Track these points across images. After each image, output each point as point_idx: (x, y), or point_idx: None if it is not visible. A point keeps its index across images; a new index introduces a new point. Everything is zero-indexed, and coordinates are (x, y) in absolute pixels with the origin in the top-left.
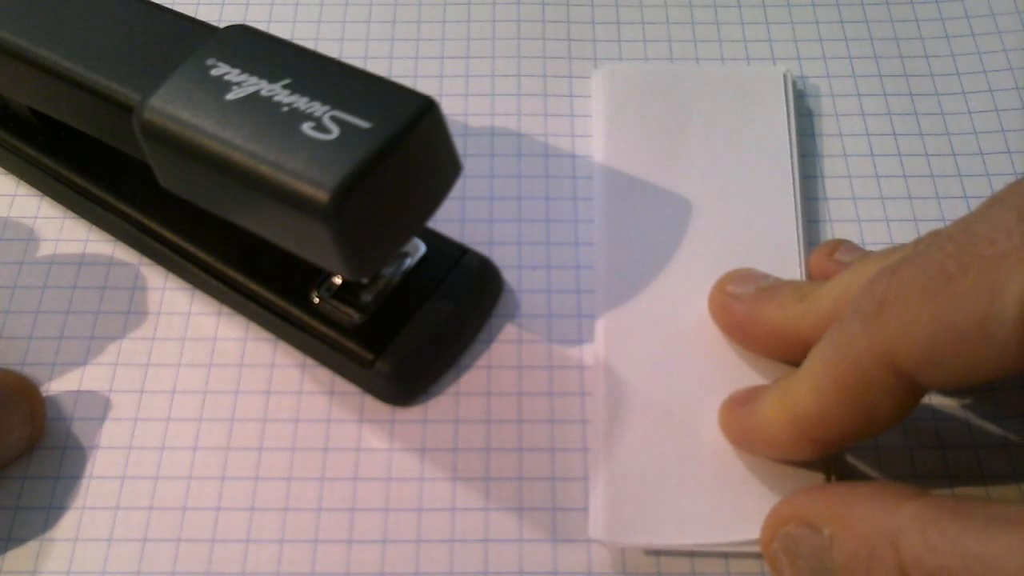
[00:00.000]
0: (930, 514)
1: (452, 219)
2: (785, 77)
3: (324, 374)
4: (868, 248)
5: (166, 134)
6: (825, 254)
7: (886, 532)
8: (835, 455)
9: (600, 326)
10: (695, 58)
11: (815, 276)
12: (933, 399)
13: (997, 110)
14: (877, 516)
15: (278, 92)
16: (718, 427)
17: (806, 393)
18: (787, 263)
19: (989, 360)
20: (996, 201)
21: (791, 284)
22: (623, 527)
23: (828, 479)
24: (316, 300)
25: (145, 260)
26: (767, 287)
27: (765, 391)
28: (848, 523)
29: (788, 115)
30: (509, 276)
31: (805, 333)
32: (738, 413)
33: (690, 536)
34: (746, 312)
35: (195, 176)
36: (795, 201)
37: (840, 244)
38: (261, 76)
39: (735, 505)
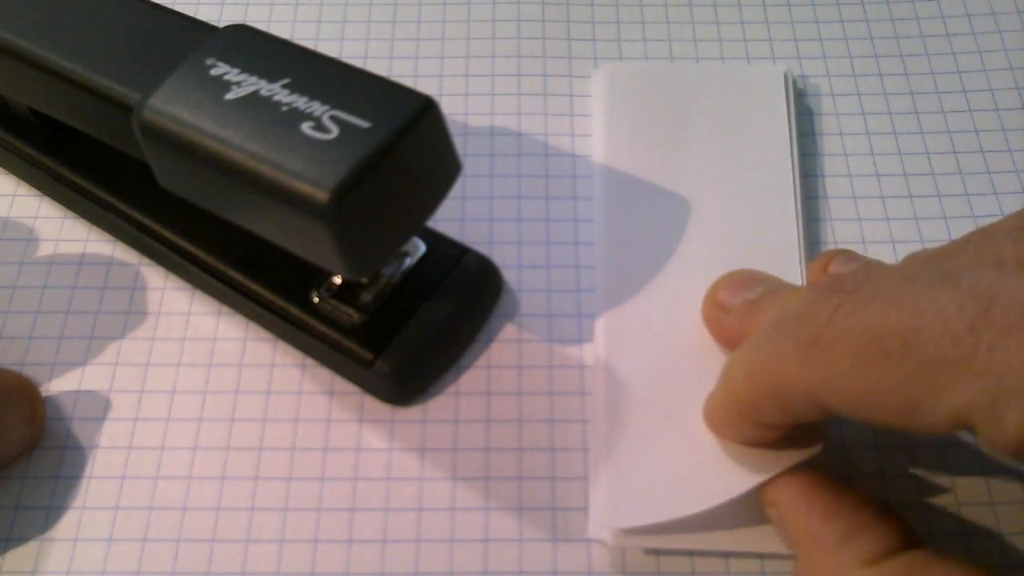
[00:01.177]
0: None
1: (452, 219)
2: (785, 76)
3: (324, 374)
4: (870, 247)
5: (165, 134)
6: (819, 268)
7: None
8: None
9: (600, 325)
10: (695, 57)
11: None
12: None
13: (997, 109)
14: (830, 570)
15: (278, 92)
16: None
17: (741, 381)
18: (787, 262)
19: (915, 430)
20: (951, 286)
21: (776, 296)
22: (623, 526)
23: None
24: (316, 300)
25: (145, 260)
26: (756, 300)
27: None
28: (808, 558)
29: (788, 114)
30: (509, 276)
31: None
32: (707, 400)
33: (690, 536)
34: (736, 326)
35: (195, 176)
36: (795, 200)
37: (837, 255)
38: (261, 76)
39: (736, 505)
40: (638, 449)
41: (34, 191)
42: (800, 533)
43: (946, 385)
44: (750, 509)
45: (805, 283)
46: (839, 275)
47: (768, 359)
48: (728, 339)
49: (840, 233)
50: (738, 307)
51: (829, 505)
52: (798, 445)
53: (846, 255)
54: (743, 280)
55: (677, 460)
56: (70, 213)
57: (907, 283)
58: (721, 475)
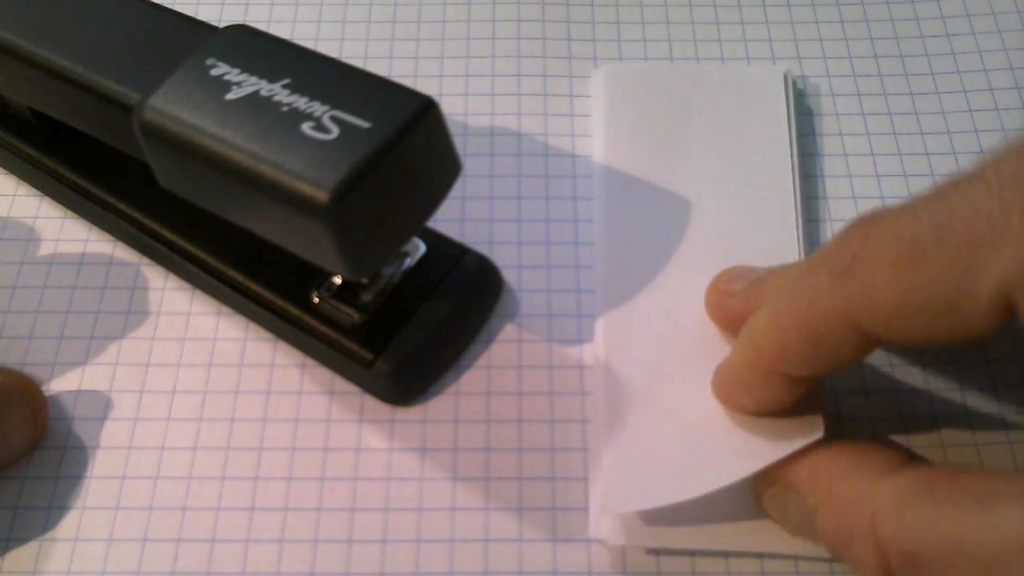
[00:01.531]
0: (905, 492)
1: (452, 219)
2: (785, 76)
3: (324, 374)
4: None
5: (166, 134)
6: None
7: (864, 510)
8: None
9: (600, 325)
10: (695, 58)
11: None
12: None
13: (997, 109)
14: (855, 493)
15: (278, 92)
16: (719, 426)
17: (767, 330)
18: (787, 262)
19: (954, 331)
20: (977, 179)
21: (782, 269)
22: (623, 526)
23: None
24: (316, 300)
25: (145, 260)
26: (758, 280)
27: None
28: (828, 498)
29: (788, 114)
30: (509, 276)
31: None
32: (718, 367)
33: (690, 536)
34: (743, 308)
35: (195, 176)
36: (795, 200)
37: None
38: (261, 76)
39: (736, 505)
40: (638, 449)
41: (34, 191)
42: (813, 481)
43: (984, 262)
44: (750, 507)
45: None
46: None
47: (798, 299)
48: (735, 322)
49: None
50: (742, 289)
51: (831, 445)
52: (799, 429)
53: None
54: (742, 270)
55: (678, 455)
56: (70, 213)
57: (933, 194)
58: (722, 461)
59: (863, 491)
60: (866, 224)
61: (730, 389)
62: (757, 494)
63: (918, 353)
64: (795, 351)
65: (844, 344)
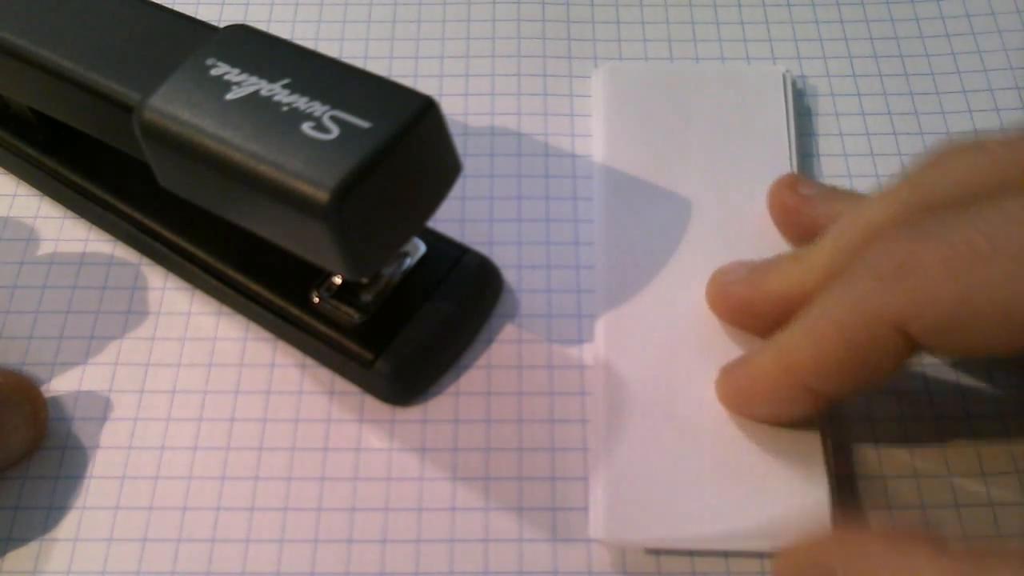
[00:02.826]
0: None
1: (452, 219)
2: (785, 77)
3: (324, 374)
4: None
5: (166, 134)
6: (787, 187)
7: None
8: (830, 457)
9: (600, 325)
10: (695, 57)
11: (777, 210)
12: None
13: (997, 109)
14: (892, 564)
15: (278, 92)
16: (719, 426)
17: (804, 342)
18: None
19: (1006, 339)
20: None
21: (782, 255)
22: (623, 526)
23: (830, 481)
24: (316, 300)
25: (145, 260)
26: (759, 265)
27: (760, 348)
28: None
29: (788, 114)
30: (509, 276)
31: (810, 295)
32: (735, 373)
33: (691, 536)
34: (746, 292)
35: (195, 176)
36: None
37: (798, 178)
38: (261, 76)
39: (736, 505)
40: (639, 449)
41: (34, 191)
42: (843, 555)
43: None
44: (750, 507)
45: (771, 204)
46: (909, 215)
47: (836, 306)
48: (739, 310)
49: None
50: (743, 276)
51: (855, 533)
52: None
53: (805, 179)
54: (741, 261)
55: (678, 456)
56: (70, 213)
57: (988, 200)
58: (725, 464)
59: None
60: (915, 227)
61: (747, 398)
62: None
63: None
64: (832, 361)
65: (886, 352)
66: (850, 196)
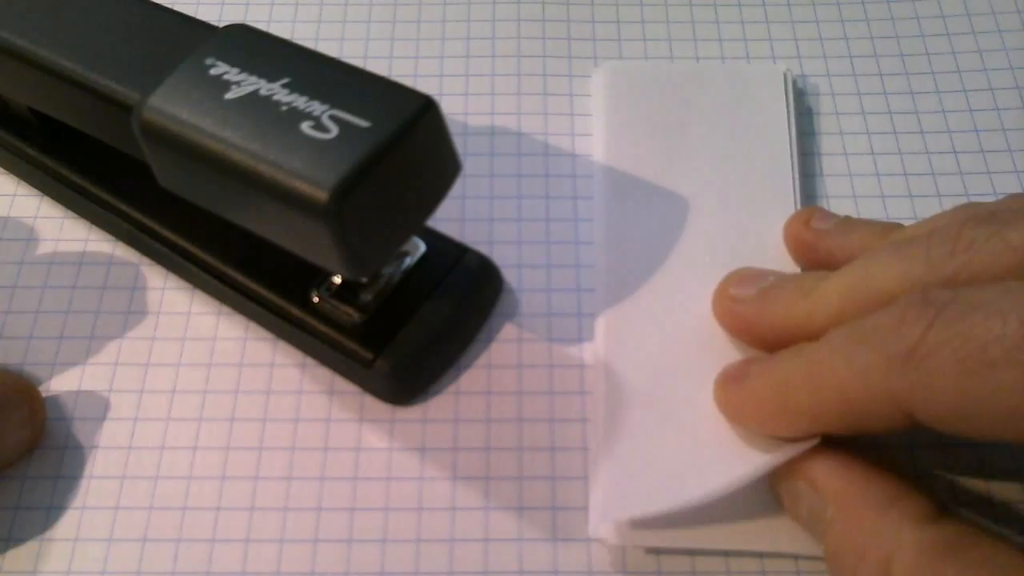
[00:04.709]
0: (930, 549)
1: (452, 218)
2: (785, 76)
3: (324, 374)
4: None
5: (165, 134)
6: (801, 223)
7: (881, 547)
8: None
9: (600, 325)
10: (695, 57)
11: (793, 246)
12: None
13: (998, 108)
14: (878, 528)
15: (277, 91)
16: (719, 426)
17: (804, 387)
18: (787, 261)
19: (1012, 435)
20: None
21: (793, 281)
22: (623, 526)
23: None
24: (316, 299)
25: (145, 260)
26: (769, 287)
27: (759, 369)
28: (850, 518)
29: (788, 114)
30: (509, 275)
31: (814, 330)
32: (731, 389)
33: (691, 535)
34: (751, 314)
35: (194, 176)
36: (795, 200)
37: (814, 211)
38: (260, 75)
39: (737, 505)
40: (639, 448)
41: (34, 191)
42: (841, 496)
43: None
44: (750, 507)
45: (786, 238)
46: (925, 287)
47: (843, 366)
48: (745, 329)
49: None
50: (752, 296)
51: (870, 470)
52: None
53: (821, 211)
54: (752, 274)
55: (679, 455)
56: (70, 213)
57: (1006, 293)
58: (724, 463)
59: (888, 531)
60: (930, 309)
61: (741, 415)
62: (774, 475)
63: None
64: (830, 415)
65: (883, 420)
66: (865, 226)
